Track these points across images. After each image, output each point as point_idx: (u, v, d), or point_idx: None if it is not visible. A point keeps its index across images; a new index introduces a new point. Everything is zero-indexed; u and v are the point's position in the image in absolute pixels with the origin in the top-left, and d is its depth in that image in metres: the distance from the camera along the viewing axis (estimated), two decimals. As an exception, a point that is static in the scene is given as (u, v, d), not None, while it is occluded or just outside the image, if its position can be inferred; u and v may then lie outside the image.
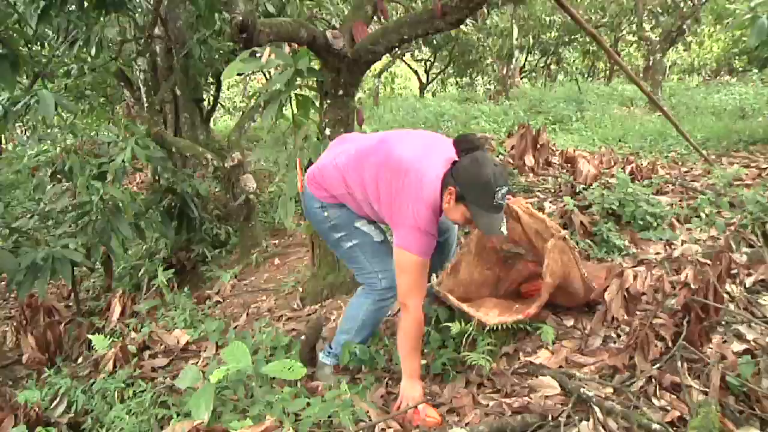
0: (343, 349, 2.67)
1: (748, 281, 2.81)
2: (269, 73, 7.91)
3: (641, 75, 13.95)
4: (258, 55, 3.05)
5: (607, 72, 17.34)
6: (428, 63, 15.26)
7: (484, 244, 2.86)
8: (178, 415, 2.47)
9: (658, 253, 3.34)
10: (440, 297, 2.73)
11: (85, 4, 4.51)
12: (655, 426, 1.86)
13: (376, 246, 2.56)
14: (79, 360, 3.83)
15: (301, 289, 4.00)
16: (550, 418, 2.08)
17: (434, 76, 16.40)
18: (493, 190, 2.12)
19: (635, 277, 2.45)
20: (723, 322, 2.46)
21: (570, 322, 2.75)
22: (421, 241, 2.25)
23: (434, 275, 2.76)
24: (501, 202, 2.16)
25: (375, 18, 3.90)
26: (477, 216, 2.19)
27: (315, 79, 3.34)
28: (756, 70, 13.66)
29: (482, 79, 17.54)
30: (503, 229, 2.21)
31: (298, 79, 3.07)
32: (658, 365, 2.19)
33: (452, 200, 2.20)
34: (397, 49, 4.70)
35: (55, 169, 4.96)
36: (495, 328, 2.51)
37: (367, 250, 2.56)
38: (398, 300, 2.41)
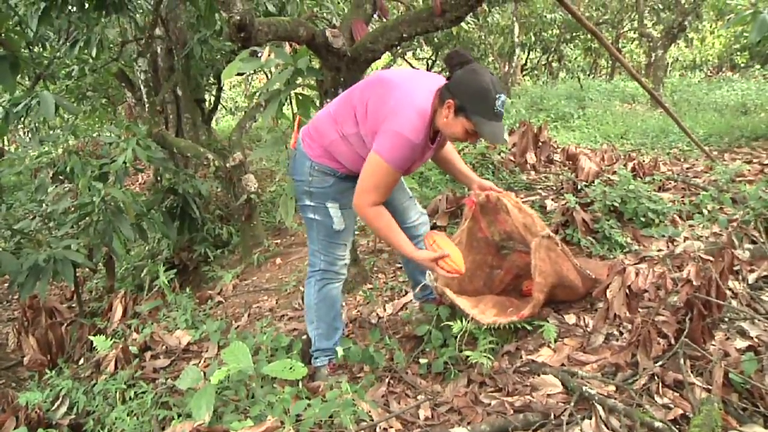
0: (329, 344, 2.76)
1: (751, 277, 2.79)
2: (271, 72, 7.91)
3: (643, 72, 13.94)
4: (259, 54, 3.05)
5: (609, 69, 17.31)
6: (430, 62, 15.22)
7: (475, 234, 2.87)
8: (179, 415, 2.47)
9: (660, 250, 3.32)
10: (439, 293, 2.74)
11: (86, 5, 4.51)
12: (657, 424, 1.85)
13: (331, 231, 2.61)
14: (81, 361, 3.84)
15: (302, 289, 3.99)
16: (552, 416, 2.08)
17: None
18: (493, 98, 2.13)
19: (637, 274, 2.43)
20: (726, 319, 2.45)
21: (572, 320, 2.74)
22: (400, 149, 2.21)
23: (428, 273, 2.75)
24: (501, 110, 2.17)
25: (375, 16, 3.89)
26: (479, 125, 2.17)
27: (315, 78, 3.33)
28: (758, 66, 13.64)
29: (484, 77, 17.51)
30: (506, 136, 2.21)
31: (299, 78, 3.06)
32: (660, 363, 2.18)
33: (451, 114, 2.20)
34: (397, 47, 4.69)
35: (57, 170, 4.97)
36: (497, 326, 2.50)
37: (322, 230, 2.62)
38: (354, 206, 2.39)
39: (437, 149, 2.57)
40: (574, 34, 13.98)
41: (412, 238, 2.59)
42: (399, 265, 4.02)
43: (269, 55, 3.03)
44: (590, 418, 2.00)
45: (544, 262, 2.51)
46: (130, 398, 2.79)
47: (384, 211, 2.37)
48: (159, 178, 6.45)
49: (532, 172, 5.06)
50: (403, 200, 2.80)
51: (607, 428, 1.94)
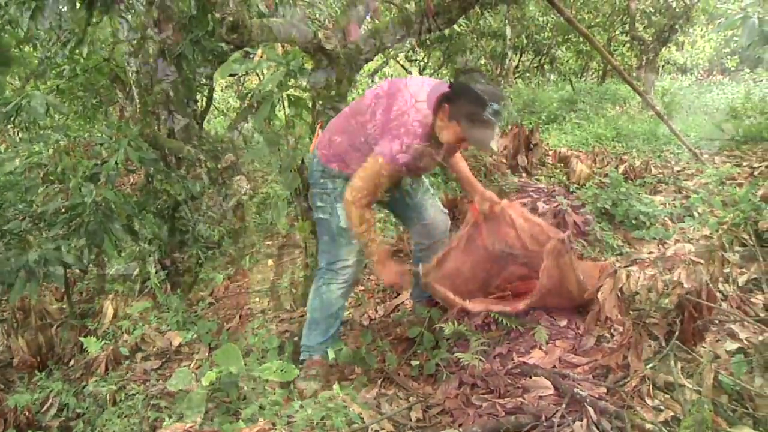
0: (320, 343, 2.77)
1: (741, 280, 2.81)
2: (263, 73, 7.90)
3: (634, 75, 13.97)
4: (251, 55, 3.04)
5: (601, 72, 17.34)
6: (422, 63, 15.22)
7: (474, 239, 2.87)
8: (170, 417, 2.45)
9: (651, 253, 3.34)
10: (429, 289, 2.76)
11: (77, 4, 4.49)
12: (648, 426, 1.86)
13: (340, 229, 2.66)
14: (71, 363, 3.81)
15: (294, 290, 3.98)
16: (543, 418, 2.08)
17: (427, 76, 16.39)
18: (484, 103, 2.20)
19: (628, 277, 2.45)
20: (716, 321, 2.47)
21: (563, 322, 2.74)
22: (399, 152, 2.31)
23: (420, 265, 2.79)
24: (492, 118, 2.22)
25: (367, 18, 3.89)
26: (467, 129, 2.26)
27: (307, 79, 3.33)
28: (748, 70, 13.72)
29: (476, 79, 17.47)
30: (493, 145, 2.28)
31: (291, 79, 3.06)
32: (651, 365, 2.19)
33: (445, 118, 2.29)
34: (389, 49, 4.69)
35: (48, 170, 4.92)
36: (488, 328, 2.51)
37: (332, 228, 2.68)
38: (347, 201, 2.47)
39: (448, 154, 2.67)
40: (566, 36, 14.01)
41: (428, 236, 2.91)
42: (391, 267, 4.01)
43: (262, 56, 3.03)
44: (581, 420, 2.01)
45: (554, 266, 2.53)
46: (120, 400, 2.77)
47: (362, 218, 2.46)
48: (150, 179, 6.41)
49: (524, 175, 5.07)
50: (425, 198, 2.91)
51: (598, 430, 1.95)
